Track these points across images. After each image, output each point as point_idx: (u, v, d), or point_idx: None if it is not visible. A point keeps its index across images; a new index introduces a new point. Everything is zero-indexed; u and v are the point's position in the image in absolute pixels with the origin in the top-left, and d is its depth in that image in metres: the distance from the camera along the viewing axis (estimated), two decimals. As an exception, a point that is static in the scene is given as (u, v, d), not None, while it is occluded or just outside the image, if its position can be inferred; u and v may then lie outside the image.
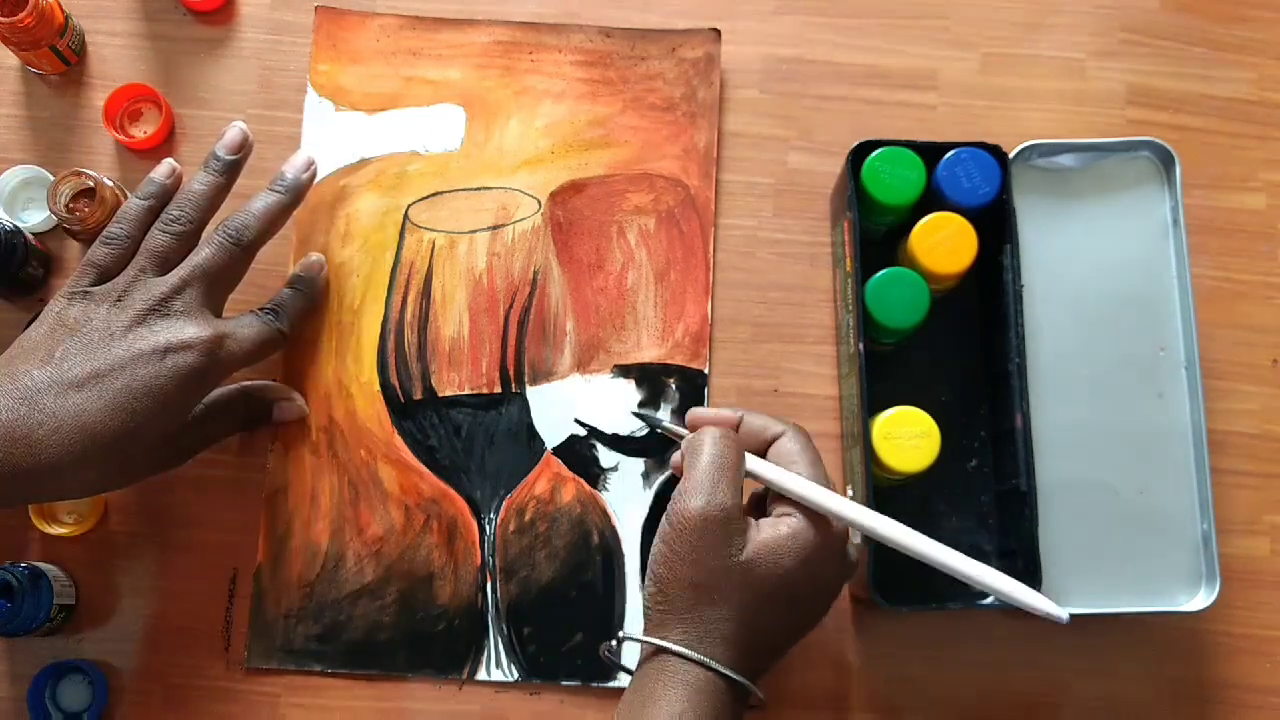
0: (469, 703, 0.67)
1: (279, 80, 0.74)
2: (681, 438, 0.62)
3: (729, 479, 0.57)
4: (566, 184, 0.72)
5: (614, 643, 0.59)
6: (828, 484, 0.59)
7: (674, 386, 0.70)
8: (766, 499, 0.60)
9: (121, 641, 0.67)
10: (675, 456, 0.61)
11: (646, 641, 0.57)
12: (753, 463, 0.59)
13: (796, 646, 0.59)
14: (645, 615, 0.58)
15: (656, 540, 0.58)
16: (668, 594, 0.57)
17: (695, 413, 0.63)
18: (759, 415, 0.61)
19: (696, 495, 0.56)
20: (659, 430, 0.67)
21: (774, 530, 0.57)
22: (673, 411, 0.70)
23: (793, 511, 0.58)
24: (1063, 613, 0.55)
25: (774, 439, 0.60)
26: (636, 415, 0.69)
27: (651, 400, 0.70)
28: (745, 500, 0.59)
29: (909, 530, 0.57)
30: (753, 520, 0.58)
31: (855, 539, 0.61)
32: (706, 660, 0.55)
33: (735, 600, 0.56)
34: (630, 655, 0.59)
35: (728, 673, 0.55)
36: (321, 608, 0.67)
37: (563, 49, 0.74)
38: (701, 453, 0.58)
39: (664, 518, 0.57)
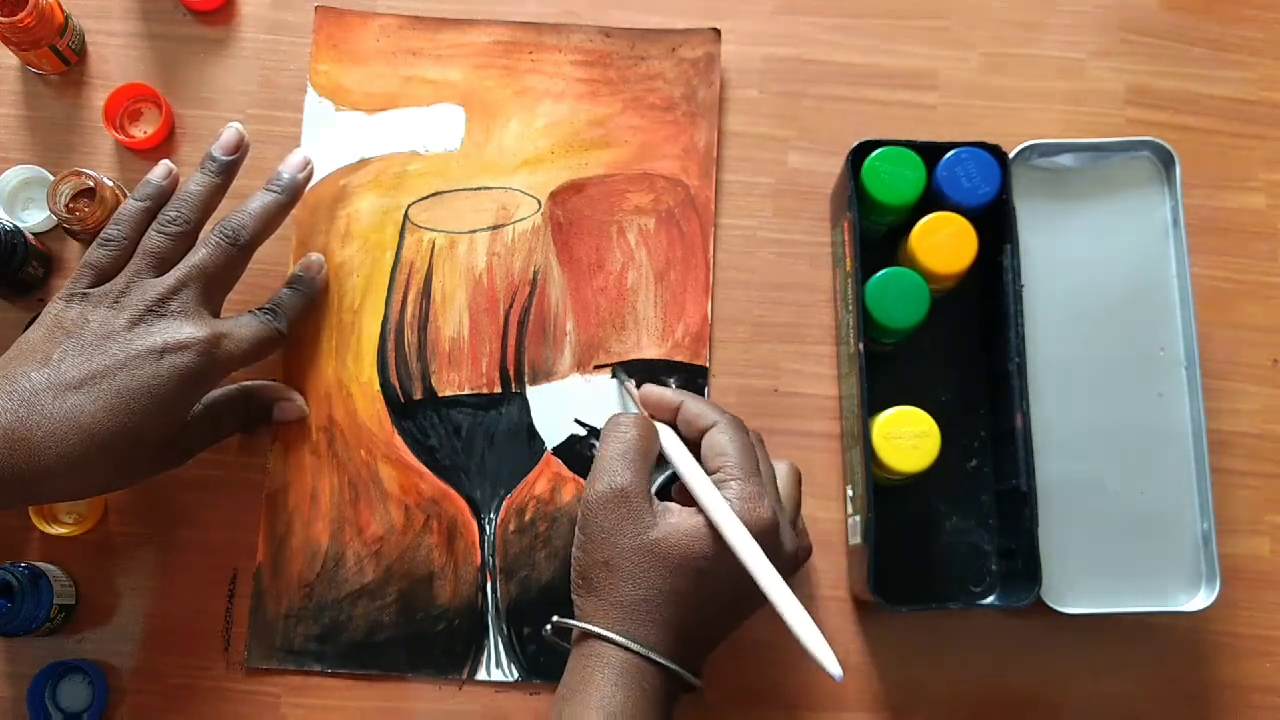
0: (469, 703, 0.67)
1: (279, 80, 0.74)
2: (636, 408, 0.65)
3: (632, 462, 0.59)
4: (566, 184, 0.72)
5: (548, 628, 0.60)
6: (757, 477, 0.59)
7: (673, 385, 0.70)
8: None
9: (121, 641, 0.67)
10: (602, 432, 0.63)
11: (574, 625, 0.58)
12: (670, 447, 0.61)
13: (794, 645, 0.59)
14: (574, 605, 0.60)
15: (576, 528, 0.60)
16: (586, 576, 0.59)
17: (646, 389, 0.65)
18: (698, 402, 0.63)
19: (599, 479, 0.59)
20: (622, 391, 0.68)
21: (687, 519, 0.58)
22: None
23: None
24: (837, 670, 0.54)
25: (705, 429, 0.61)
26: (614, 375, 0.69)
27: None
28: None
29: (761, 560, 0.56)
30: (668, 505, 0.59)
31: (794, 530, 0.61)
32: (627, 642, 0.56)
33: (652, 580, 0.57)
34: None
35: (650, 654, 0.56)
36: (321, 608, 0.67)
37: (563, 49, 0.74)
38: (611, 437, 0.60)
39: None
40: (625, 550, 0.57)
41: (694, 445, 0.62)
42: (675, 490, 0.62)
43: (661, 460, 0.62)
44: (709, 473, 0.59)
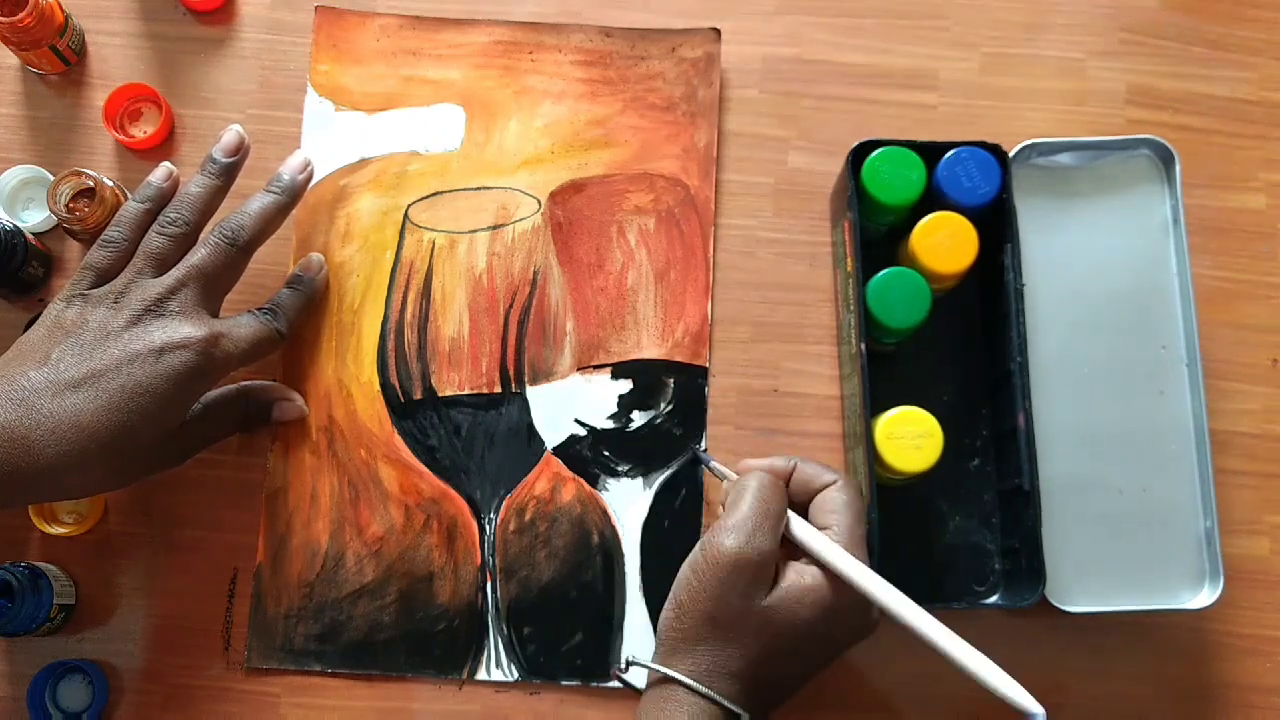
0: (469, 703, 0.67)
1: (279, 80, 0.74)
2: (725, 479, 0.64)
3: (769, 526, 0.58)
4: (566, 184, 0.72)
5: (623, 663, 0.59)
6: (863, 542, 0.59)
7: (673, 385, 0.70)
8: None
9: (121, 641, 0.67)
10: (721, 492, 0.62)
11: (655, 669, 0.58)
12: (791, 520, 0.60)
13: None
14: (658, 638, 0.59)
15: (685, 567, 0.59)
16: (685, 623, 0.58)
17: (747, 463, 0.64)
18: (812, 464, 0.62)
19: (735, 534, 0.58)
20: (709, 469, 0.67)
21: (798, 579, 0.58)
22: (671, 411, 0.69)
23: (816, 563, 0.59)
24: (1038, 709, 0.54)
25: (823, 488, 0.61)
26: (693, 452, 0.69)
27: (650, 399, 0.70)
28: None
29: (921, 612, 0.57)
30: (780, 566, 0.59)
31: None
32: (712, 694, 0.56)
33: (749, 642, 0.57)
34: (638, 675, 0.61)
35: (733, 708, 0.56)
36: (321, 607, 0.67)
37: (563, 49, 0.74)
38: (746, 494, 0.59)
39: (697, 546, 0.59)
40: (735, 610, 0.57)
41: (801, 509, 0.61)
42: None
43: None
44: (818, 529, 0.60)
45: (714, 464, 0.66)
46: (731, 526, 0.58)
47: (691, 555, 0.59)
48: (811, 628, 0.57)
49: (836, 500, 0.60)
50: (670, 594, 0.59)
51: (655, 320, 0.71)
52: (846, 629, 0.59)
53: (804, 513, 0.61)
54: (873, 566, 0.58)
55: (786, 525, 0.60)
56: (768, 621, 0.57)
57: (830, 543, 0.58)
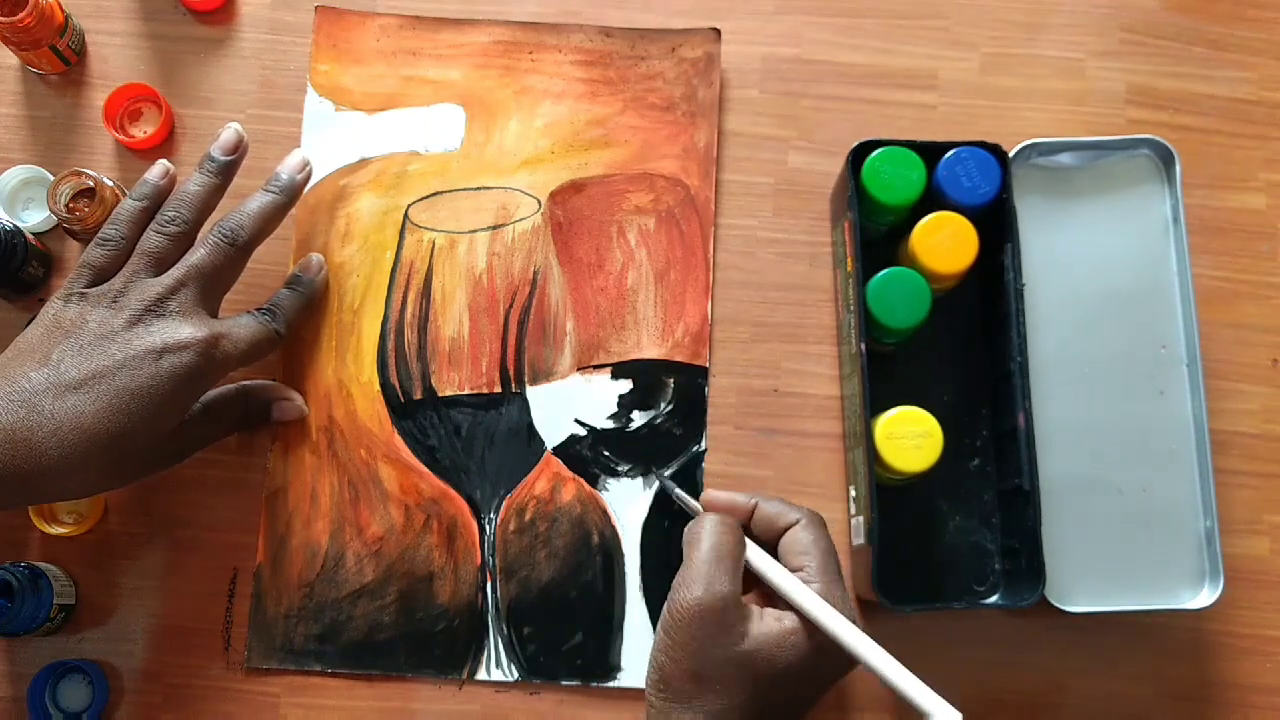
0: (469, 703, 0.67)
1: (279, 80, 0.74)
2: (694, 511, 0.64)
3: (726, 568, 0.58)
4: (566, 184, 0.72)
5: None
6: (838, 577, 0.59)
7: (673, 385, 0.70)
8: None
9: (121, 641, 0.67)
10: (686, 533, 0.62)
11: None
12: (754, 555, 0.60)
13: None
14: (649, 703, 0.59)
15: (658, 628, 0.59)
16: (669, 684, 0.57)
17: (709, 495, 0.64)
18: (774, 502, 0.62)
19: (695, 585, 0.57)
20: (674, 500, 0.68)
21: (778, 624, 0.58)
22: (671, 411, 0.69)
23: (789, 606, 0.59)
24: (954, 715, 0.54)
25: (787, 528, 0.61)
26: (658, 478, 0.69)
27: (650, 399, 0.70)
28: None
29: (884, 655, 0.56)
30: (755, 609, 0.59)
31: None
32: None
33: (736, 691, 0.56)
34: None
35: None
36: (321, 607, 0.67)
37: (563, 49, 0.74)
38: (700, 541, 0.59)
39: (665, 606, 0.58)
40: (716, 660, 0.56)
41: (769, 547, 0.61)
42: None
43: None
44: (791, 570, 0.59)
45: (678, 492, 0.67)
46: (690, 579, 0.58)
47: (661, 617, 0.59)
48: (797, 668, 0.57)
49: (803, 540, 0.60)
50: (649, 660, 0.59)
51: (655, 320, 0.71)
52: (831, 665, 0.59)
53: (773, 551, 0.61)
54: (847, 612, 0.58)
55: (754, 566, 0.60)
56: (752, 668, 0.57)
57: (799, 585, 0.58)
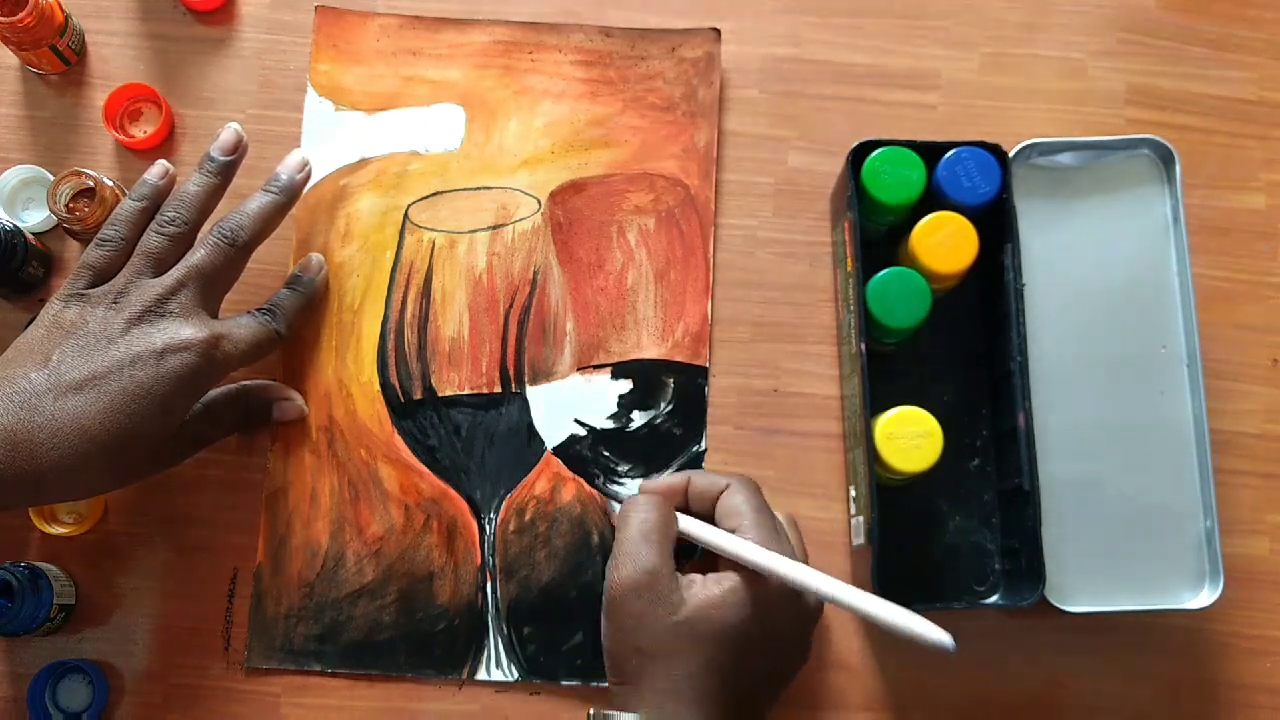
0: (469, 703, 0.67)
1: (279, 80, 0.74)
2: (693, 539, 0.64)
3: (653, 542, 0.59)
4: (566, 184, 0.72)
5: (590, 713, 0.59)
6: (774, 531, 0.60)
7: (673, 385, 0.70)
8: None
9: (121, 641, 0.67)
10: (616, 519, 0.63)
11: (616, 717, 0.57)
12: (684, 523, 0.61)
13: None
14: (610, 687, 0.60)
15: (601, 616, 0.59)
16: (621, 666, 0.58)
17: (644, 484, 0.66)
18: (705, 474, 0.63)
19: (624, 564, 0.58)
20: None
21: (714, 587, 0.58)
22: (671, 411, 0.69)
23: (731, 566, 0.59)
24: (947, 639, 0.53)
25: (719, 494, 0.62)
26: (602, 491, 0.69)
27: (650, 399, 0.70)
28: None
29: (829, 579, 0.56)
30: (692, 577, 0.59)
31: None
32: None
33: (688, 659, 0.57)
34: None
35: None
36: (321, 607, 0.67)
37: (563, 49, 0.74)
38: (628, 521, 0.60)
39: (603, 592, 0.59)
40: (658, 634, 0.57)
41: (708, 519, 0.62)
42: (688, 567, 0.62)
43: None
44: (728, 530, 0.60)
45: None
46: (619, 559, 0.59)
47: (602, 604, 0.59)
48: (746, 627, 0.57)
49: (734, 501, 0.61)
50: (603, 650, 0.60)
51: (655, 320, 0.71)
52: (788, 619, 0.59)
53: (711, 522, 0.62)
54: (792, 553, 0.59)
55: (690, 535, 0.60)
56: (695, 633, 0.57)
57: (737, 540, 0.59)
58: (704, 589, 0.58)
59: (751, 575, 0.58)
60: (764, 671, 0.60)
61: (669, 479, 0.64)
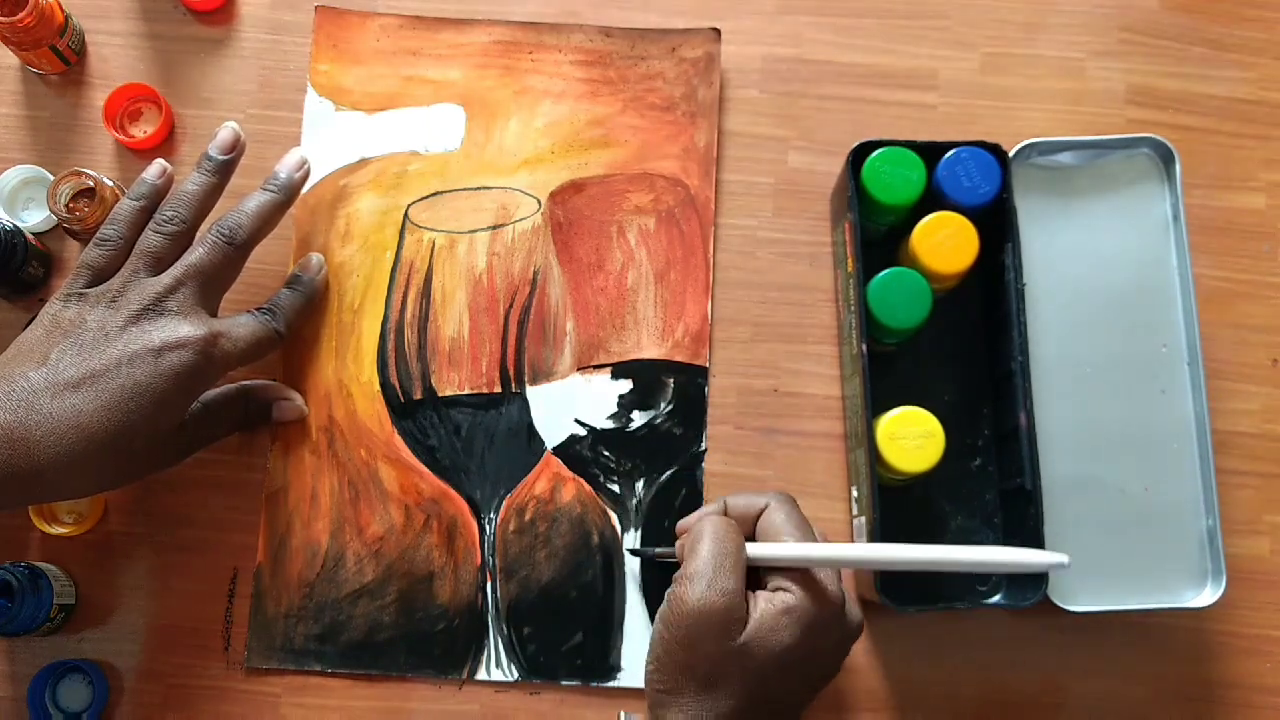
0: (469, 703, 0.67)
1: (279, 80, 0.74)
2: (672, 557, 0.64)
3: (730, 564, 0.58)
4: (566, 184, 0.72)
5: (620, 716, 0.59)
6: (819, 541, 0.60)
7: (673, 385, 0.70)
8: (760, 570, 0.60)
9: (121, 641, 0.67)
10: (677, 547, 0.62)
11: None
12: (749, 548, 0.60)
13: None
14: (648, 688, 0.59)
15: (657, 620, 0.59)
16: (666, 676, 0.57)
17: (683, 522, 0.65)
18: (741, 495, 0.63)
19: (697, 581, 0.57)
20: (654, 560, 0.68)
21: (769, 606, 0.57)
22: (671, 411, 0.69)
23: (786, 585, 0.58)
24: (1062, 558, 0.55)
25: (759, 514, 0.61)
26: (631, 552, 0.68)
27: (650, 399, 0.70)
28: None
29: (907, 546, 0.57)
30: (755, 596, 0.58)
31: (853, 599, 0.61)
32: None
33: (735, 683, 0.56)
34: None
35: None
36: (321, 607, 0.67)
37: (563, 49, 0.74)
38: (702, 539, 0.59)
39: (665, 599, 0.58)
40: (713, 656, 0.56)
41: (749, 539, 0.61)
42: None
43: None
44: None
45: (658, 551, 0.66)
46: (692, 574, 0.57)
47: (661, 608, 0.58)
48: (795, 650, 0.57)
49: (776, 518, 0.60)
50: (649, 648, 0.59)
51: (655, 320, 0.71)
52: (831, 640, 0.59)
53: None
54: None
55: (754, 557, 0.59)
56: (748, 659, 0.56)
57: (792, 544, 0.58)
58: (762, 609, 0.57)
59: (807, 591, 0.57)
60: (797, 688, 0.59)
61: (707, 508, 0.64)
